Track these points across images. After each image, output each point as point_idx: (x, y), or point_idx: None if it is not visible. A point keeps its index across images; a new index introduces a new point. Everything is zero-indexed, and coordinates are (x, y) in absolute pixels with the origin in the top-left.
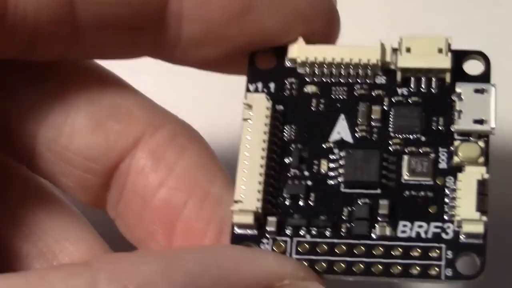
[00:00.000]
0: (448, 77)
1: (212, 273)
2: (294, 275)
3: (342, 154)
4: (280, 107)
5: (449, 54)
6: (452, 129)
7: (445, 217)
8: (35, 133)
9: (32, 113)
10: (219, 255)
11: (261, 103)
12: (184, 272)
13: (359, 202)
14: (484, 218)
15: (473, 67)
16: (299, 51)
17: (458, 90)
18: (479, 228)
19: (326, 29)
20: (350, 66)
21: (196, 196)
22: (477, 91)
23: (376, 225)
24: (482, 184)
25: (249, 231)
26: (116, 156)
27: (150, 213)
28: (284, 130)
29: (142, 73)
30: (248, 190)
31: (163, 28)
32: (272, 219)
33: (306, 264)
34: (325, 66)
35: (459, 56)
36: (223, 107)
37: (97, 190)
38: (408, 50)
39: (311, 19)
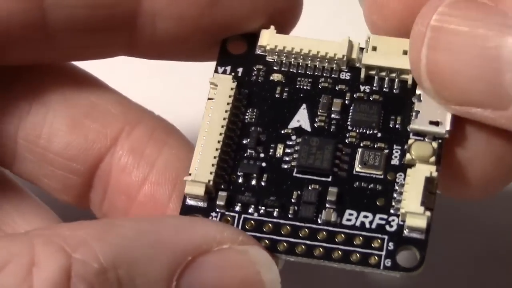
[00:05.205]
0: (410, 79)
1: (148, 238)
2: (233, 240)
3: (299, 140)
4: (245, 91)
5: None
6: (409, 129)
7: (391, 210)
8: (15, 136)
9: (9, 116)
10: (156, 222)
11: (226, 83)
12: (119, 235)
13: (309, 187)
14: (428, 213)
15: None
16: (269, 39)
17: (418, 92)
18: (421, 223)
19: (290, 7)
20: (317, 58)
21: (179, 189)
22: None
23: (323, 210)
24: (430, 182)
25: (199, 203)
26: (96, 154)
27: (137, 209)
28: (246, 113)
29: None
30: (202, 163)
31: (136, 27)
32: (222, 194)
33: None
34: (293, 56)
35: None
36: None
37: (80, 189)
38: (374, 49)
39: None
